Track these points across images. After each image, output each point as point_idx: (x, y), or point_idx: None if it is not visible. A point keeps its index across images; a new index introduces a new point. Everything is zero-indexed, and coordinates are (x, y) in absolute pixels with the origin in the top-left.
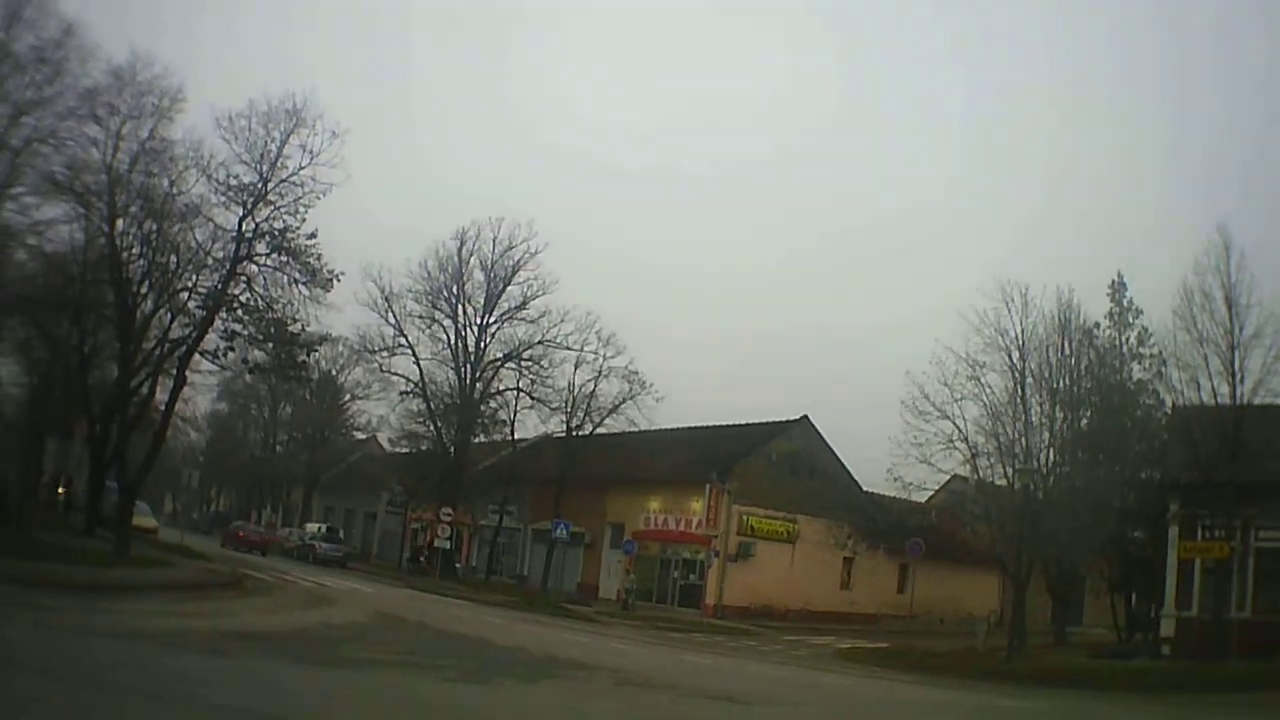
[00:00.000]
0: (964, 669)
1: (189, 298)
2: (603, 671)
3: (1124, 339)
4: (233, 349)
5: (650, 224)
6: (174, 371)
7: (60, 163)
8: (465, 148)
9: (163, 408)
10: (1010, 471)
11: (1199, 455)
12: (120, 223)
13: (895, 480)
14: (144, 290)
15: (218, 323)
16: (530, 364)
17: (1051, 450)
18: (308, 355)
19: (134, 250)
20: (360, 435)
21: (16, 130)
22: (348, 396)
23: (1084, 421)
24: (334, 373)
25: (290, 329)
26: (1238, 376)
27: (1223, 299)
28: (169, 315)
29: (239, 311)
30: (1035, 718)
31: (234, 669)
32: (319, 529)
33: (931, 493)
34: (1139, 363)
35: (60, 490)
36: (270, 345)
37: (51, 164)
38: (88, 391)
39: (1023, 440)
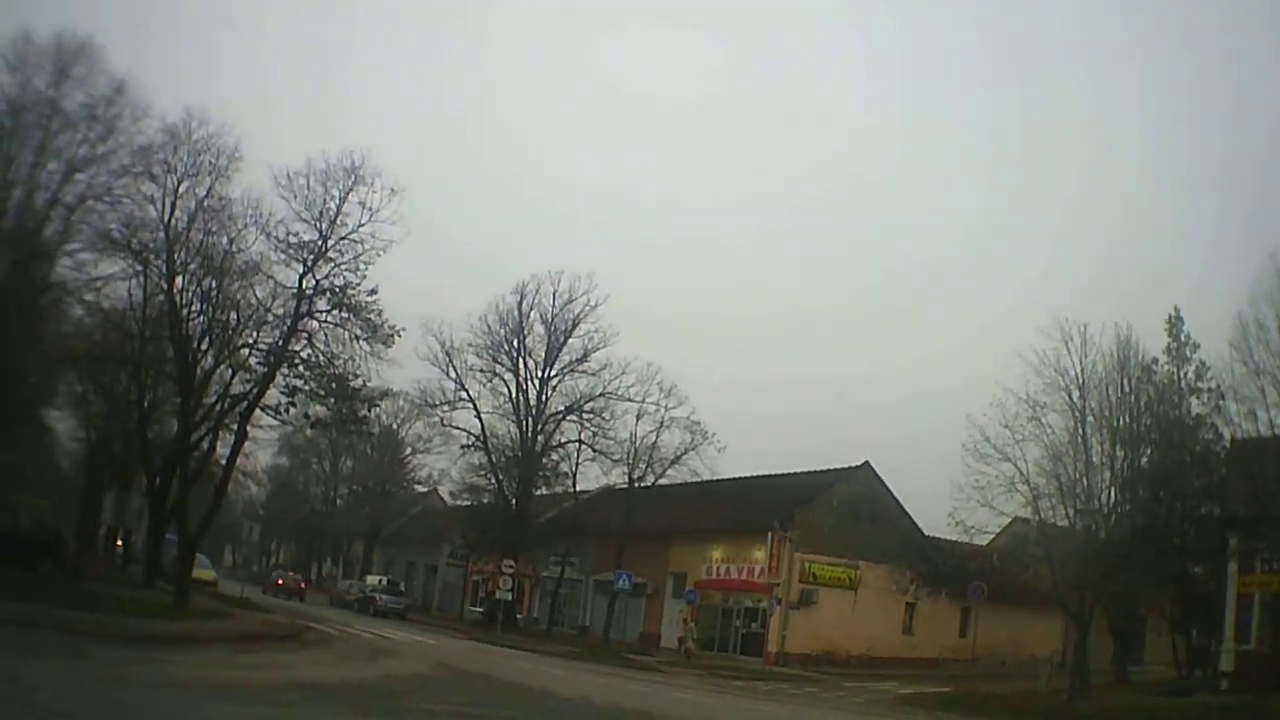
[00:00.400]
0: (1026, 711)
1: (249, 354)
2: None
3: (1182, 374)
4: (294, 404)
5: (712, 270)
6: (234, 427)
7: (116, 220)
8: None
9: (223, 462)
10: (1072, 512)
11: (1257, 489)
12: (179, 280)
13: (957, 524)
14: (204, 346)
15: (279, 378)
16: (591, 416)
17: (1113, 489)
18: (369, 410)
19: (193, 307)
20: (421, 488)
21: (70, 187)
22: (409, 450)
23: (1144, 459)
24: (395, 426)
25: (351, 384)
26: None
27: (1277, 328)
28: (230, 371)
29: (300, 367)
30: None
31: None
32: (379, 581)
33: (993, 535)
34: (1197, 397)
35: (119, 543)
36: (331, 400)
37: (107, 221)
38: (147, 445)
39: (1084, 480)
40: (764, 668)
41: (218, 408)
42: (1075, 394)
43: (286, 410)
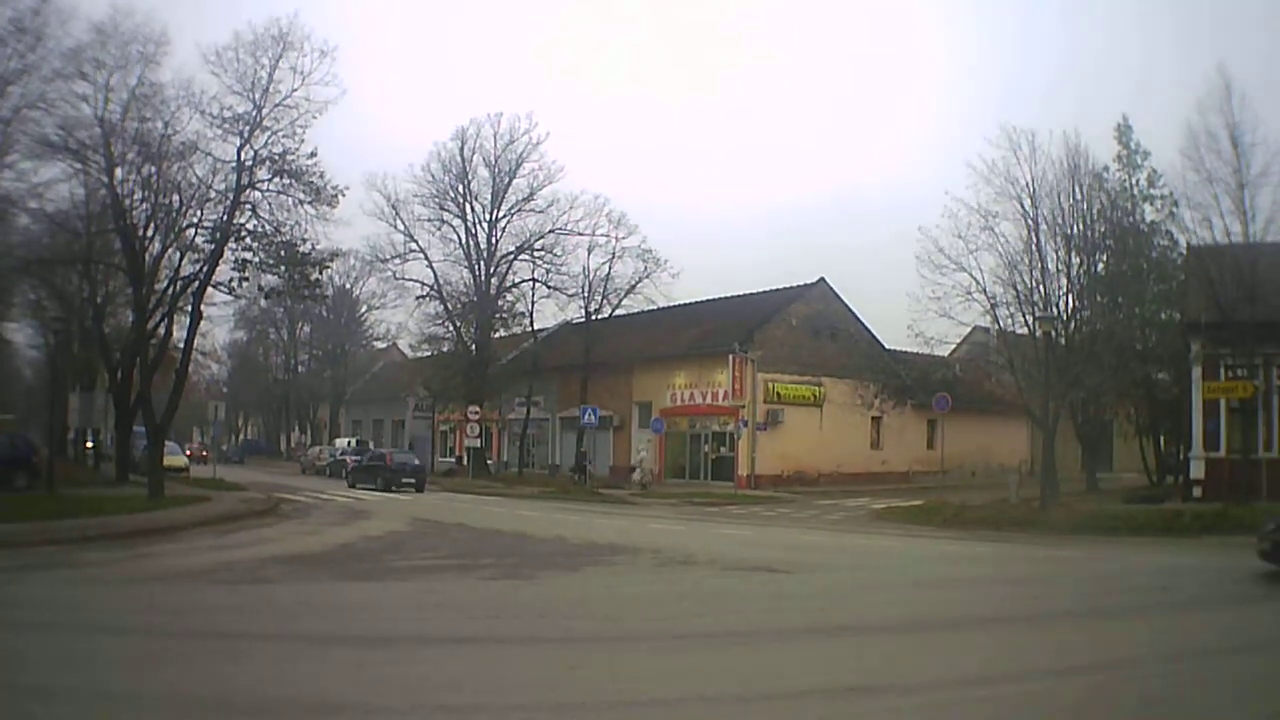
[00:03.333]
0: (998, 522)
1: (195, 234)
2: (644, 554)
3: (1134, 181)
4: (245, 278)
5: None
6: (189, 309)
7: (53, 125)
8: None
9: (181, 346)
10: (1030, 319)
11: (1217, 295)
12: (119, 171)
13: (916, 336)
14: (150, 233)
15: (228, 254)
16: (543, 253)
17: (1070, 296)
18: (320, 272)
19: (136, 196)
20: (380, 345)
21: (5, 101)
22: (364, 308)
23: (1100, 266)
24: (348, 286)
25: (300, 250)
26: (1249, 215)
27: (1228, 138)
28: (178, 254)
29: (247, 240)
30: (1073, 565)
31: (281, 595)
32: (349, 443)
33: (954, 346)
34: (1150, 204)
35: (88, 444)
36: (282, 268)
37: (44, 127)
38: (105, 341)
39: (1041, 288)
40: (736, 492)
41: (170, 291)
42: (1027, 202)
43: (239, 284)
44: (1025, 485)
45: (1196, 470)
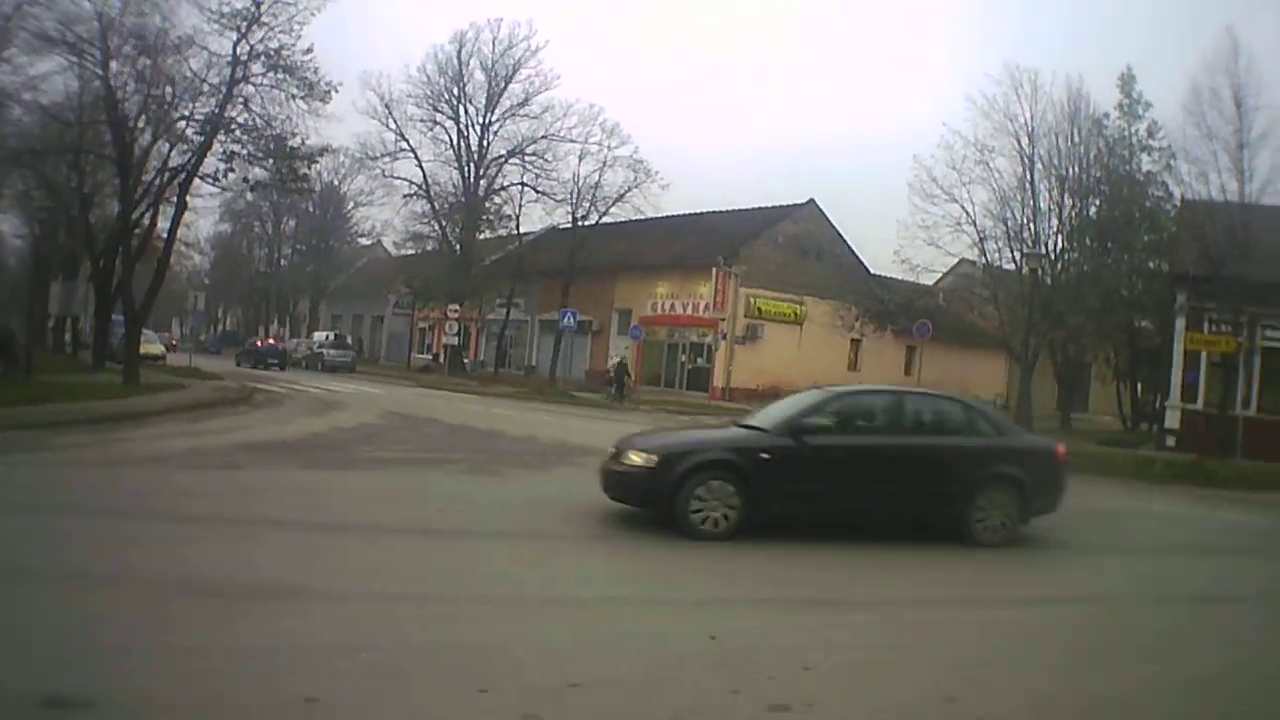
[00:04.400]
0: None
1: (186, 125)
2: None
3: (1133, 130)
4: (232, 169)
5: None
6: (175, 200)
7: (52, 19)
8: None
9: (165, 236)
10: (1018, 255)
11: (1208, 249)
12: (114, 64)
13: (903, 262)
14: (141, 125)
15: (216, 146)
16: (534, 158)
17: (1060, 237)
18: (308, 167)
19: (129, 88)
20: (365, 242)
21: None
22: (351, 205)
23: (1093, 210)
24: (336, 182)
25: (290, 144)
26: (1246, 174)
27: (1231, 98)
28: (167, 145)
29: (237, 132)
30: None
31: (249, 480)
32: (327, 337)
33: (939, 275)
34: (1148, 155)
35: (67, 333)
36: (270, 161)
37: (44, 22)
38: (90, 230)
39: (1031, 225)
40: (709, 402)
41: (157, 182)
42: (1024, 139)
43: (225, 176)
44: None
45: (1172, 420)
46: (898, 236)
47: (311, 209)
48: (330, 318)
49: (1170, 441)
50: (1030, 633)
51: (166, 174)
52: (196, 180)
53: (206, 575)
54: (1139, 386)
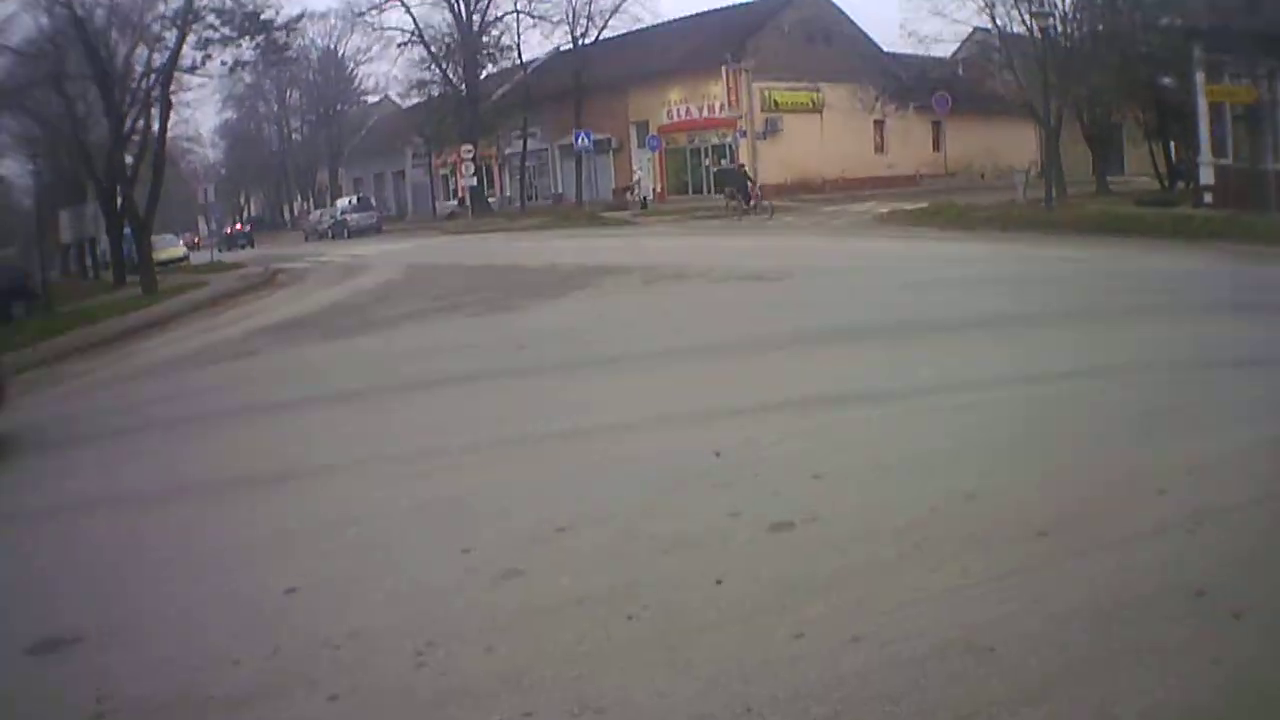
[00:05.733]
0: (1004, 221)
1: (159, 25)
2: (635, 272)
3: None
4: (209, 56)
5: None
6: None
7: None
8: None
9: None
10: (1027, 17)
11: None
12: None
13: (910, 35)
14: (113, 36)
15: (191, 36)
16: None
17: None
18: (288, 35)
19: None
20: (373, 99)
21: None
22: (351, 65)
23: None
24: (332, 46)
25: (262, 16)
26: None
27: None
28: (146, 50)
29: (209, 18)
30: (1076, 264)
31: (261, 366)
32: (350, 202)
33: (956, 46)
34: None
35: (87, 258)
36: (248, 39)
37: None
38: (87, 151)
39: None
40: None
41: (142, 87)
42: None
43: (204, 64)
44: (1033, 187)
45: (1206, 176)
46: (900, 9)
47: (313, 77)
48: (352, 182)
49: (1207, 198)
50: (1065, 406)
51: (150, 77)
52: (182, 75)
53: (193, 475)
54: (1172, 145)
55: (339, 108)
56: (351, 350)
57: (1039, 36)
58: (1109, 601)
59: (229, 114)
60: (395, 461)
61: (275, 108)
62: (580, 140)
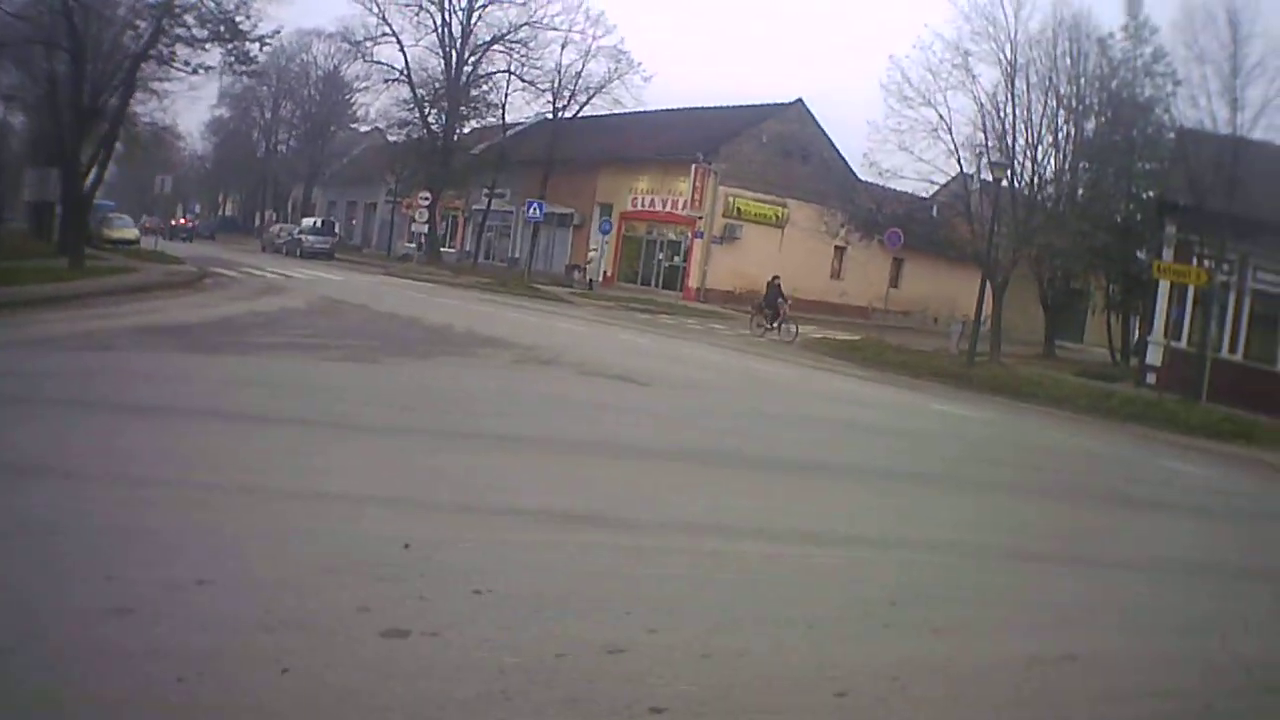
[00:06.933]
0: (919, 369)
1: (135, 12)
2: (515, 349)
3: (1138, 54)
4: (174, 54)
5: None
6: (148, 86)
7: None
8: None
9: (143, 121)
10: (997, 167)
11: (1193, 176)
12: None
13: (871, 166)
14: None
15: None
16: (518, 46)
17: (1052, 154)
18: (260, 48)
19: None
20: (364, 129)
21: None
22: (349, 92)
23: (1090, 131)
24: (334, 67)
25: (239, 24)
26: (1238, 104)
27: (1225, 20)
28: (119, 33)
29: (184, 16)
30: (958, 424)
31: (110, 362)
32: (314, 223)
33: (936, 188)
34: (1151, 80)
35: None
36: (220, 44)
37: None
38: (58, 112)
39: (1008, 139)
40: (679, 302)
41: (108, 68)
42: (1007, 48)
43: (168, 60)
44: (980, 340)
45: (1154, 356)
46: (867, 139)
47: (311, 93)
48: (326, 204)
49: (1150, 378)
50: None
51: (122, 61)
52: (164, 66)
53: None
54: (1132, 320)
55: (332, 129)
56: (196, 368)
57: (992, 184)
58: None
59: (222, 111)
60: (141, 484)
61: (268, 115)
62: (532, 209)
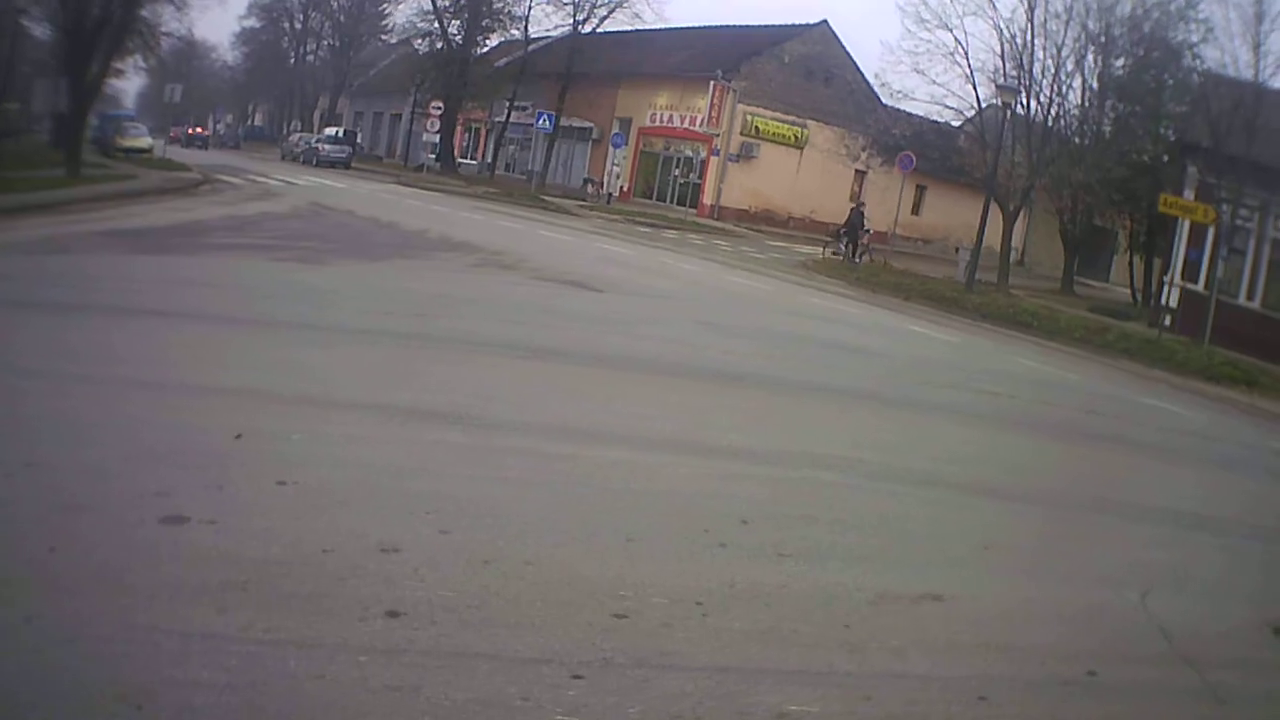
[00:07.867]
0: (911, 290)
1: None
2: (479, 254)
3: None
4: None
5: None
6: None
7: None
8: None
9: (161, 32)
10: (1017, 94)
11: (1214, 119)
12: None
13: (882, 86)
14: None
15: None
16: None
17: (1080, 88)
18: None
19: None
20: (394, 40)
21: None
22: (379, 2)
23: (1118, 68)
24: None
25: None
26: (1261, 50)
27: None
28: None
29: None
30: (934, 347)
31: (60, 264)
32: (331, 133)
33: (964, 118)
34: (1185, 24)
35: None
36: None
37: None
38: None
39: (1026, 66)
40: (689, 218)
41: None
42: None
43: None
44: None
45: (1172, 298)
46: (880, 59)
47: (339, 3)
48: (353, 114)
49: (1167, 320)
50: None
51: None
52: None
53: None
54: (1155, 262)
55: (363, 38)
56: (142, 269)
57: (1020, 117)
58: None
59: (251, 21)
60: (78, 380)
61: (297, 25)
62: (541, 120)
